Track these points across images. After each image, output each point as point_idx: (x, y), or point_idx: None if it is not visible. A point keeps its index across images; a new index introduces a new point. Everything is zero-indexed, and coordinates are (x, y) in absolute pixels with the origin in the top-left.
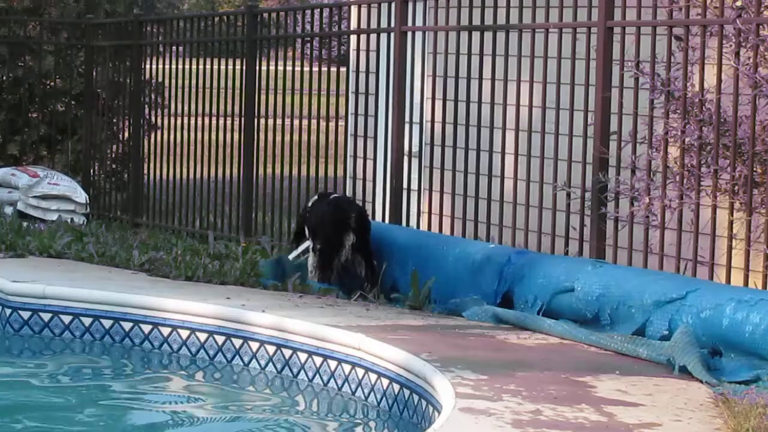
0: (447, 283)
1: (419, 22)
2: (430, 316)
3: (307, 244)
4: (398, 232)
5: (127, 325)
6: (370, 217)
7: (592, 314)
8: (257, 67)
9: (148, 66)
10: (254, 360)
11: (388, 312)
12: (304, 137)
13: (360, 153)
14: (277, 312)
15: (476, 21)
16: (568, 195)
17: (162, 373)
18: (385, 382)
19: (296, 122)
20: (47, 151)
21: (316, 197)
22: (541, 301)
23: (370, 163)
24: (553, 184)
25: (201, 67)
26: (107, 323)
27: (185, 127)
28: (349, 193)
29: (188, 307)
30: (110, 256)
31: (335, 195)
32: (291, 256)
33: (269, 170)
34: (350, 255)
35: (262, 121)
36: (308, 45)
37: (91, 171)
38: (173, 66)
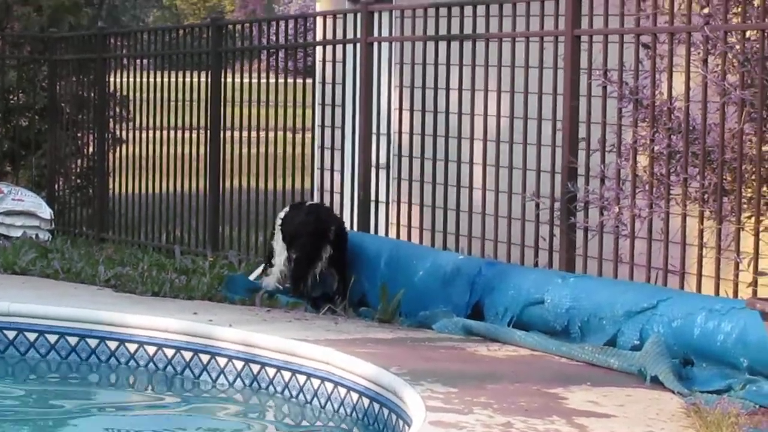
0: (417, 295)
1: (385, 33)
2: (399, 329)
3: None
4: (369, 242)
5: (93, 342)
6: (347, 229)
7: (562, 326)
8: (222, 79)
9: (112, 79)
10: (222, 375)
11: (357, 325)
12: (271, 149)
13: (327, 165)
14: (245, 327)
15: (443, 31)
16: (537, 205)
17: (129, 389)
18: (355, 396)
19: (263, 134)
20: (11, 166)
21: (287, 209)
22: (511, 313)
23: (337, 175)
24: (522, 194)
25: (166, 79)
26: (73, 340)
27: (151, 140)
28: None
29: (155, 323)
30: (76, 273)
31: (311, 203)
32: (252, 276)
33: (236, 183)
34: (326, 268)
35: (228, 133)
36: (274, 56)
37: (56, 186)
38: (138, 79)
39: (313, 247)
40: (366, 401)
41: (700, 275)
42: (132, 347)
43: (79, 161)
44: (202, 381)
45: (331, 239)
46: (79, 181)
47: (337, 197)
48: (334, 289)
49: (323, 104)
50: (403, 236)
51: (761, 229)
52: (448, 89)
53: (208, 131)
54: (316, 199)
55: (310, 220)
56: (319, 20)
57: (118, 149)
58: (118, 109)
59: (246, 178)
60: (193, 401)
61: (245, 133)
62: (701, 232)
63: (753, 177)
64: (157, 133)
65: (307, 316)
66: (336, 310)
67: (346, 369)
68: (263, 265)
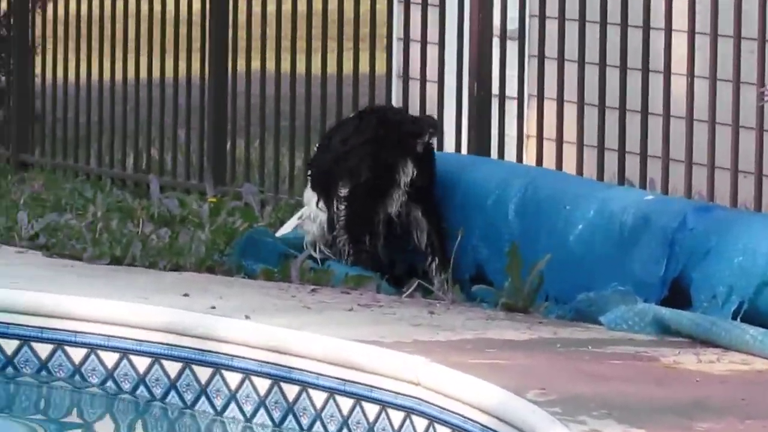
0: (573, 266)
1: None
2: (541, 324)
3: (305, 211)
4: (488, 172)
5: (9, 346)
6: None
7: None
8: None
9: None
10: (233, 403)
11: (467, 316)
12: (317, 6)
13: (415, 33)
14: (273, 319)
15: None
16: None
17: (70, 423)
18: None
19: None
20: None
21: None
22: (739, 297)
23: (433, 51)
24: (758, 88)
25: None
26: None
27: None
28: (397, 102)
29: (116, 313)
30: None
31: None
32: (280, 232)
33: (256, 65)
34: (404, 206)
35: None
36: None
37: None
38: None
39: (382, 167)
40: None
41: None
42: (77, 355)
43: None
44: (199, 411)
45: (416, 152)
46: None
47: (431, 89)
48: (422, 247)
49: None
50: (548, 161)
51: None
52: None
53: None
54: (396, 93)
55: (368, 125)
56: None
57: (46, 6)
58: None
59: (273, 57)
60: None
61: None
62: None
63: None
64: None
65: (380, 300)
66: (430, 289)
67: (450, 394)
68: (300, 212)
